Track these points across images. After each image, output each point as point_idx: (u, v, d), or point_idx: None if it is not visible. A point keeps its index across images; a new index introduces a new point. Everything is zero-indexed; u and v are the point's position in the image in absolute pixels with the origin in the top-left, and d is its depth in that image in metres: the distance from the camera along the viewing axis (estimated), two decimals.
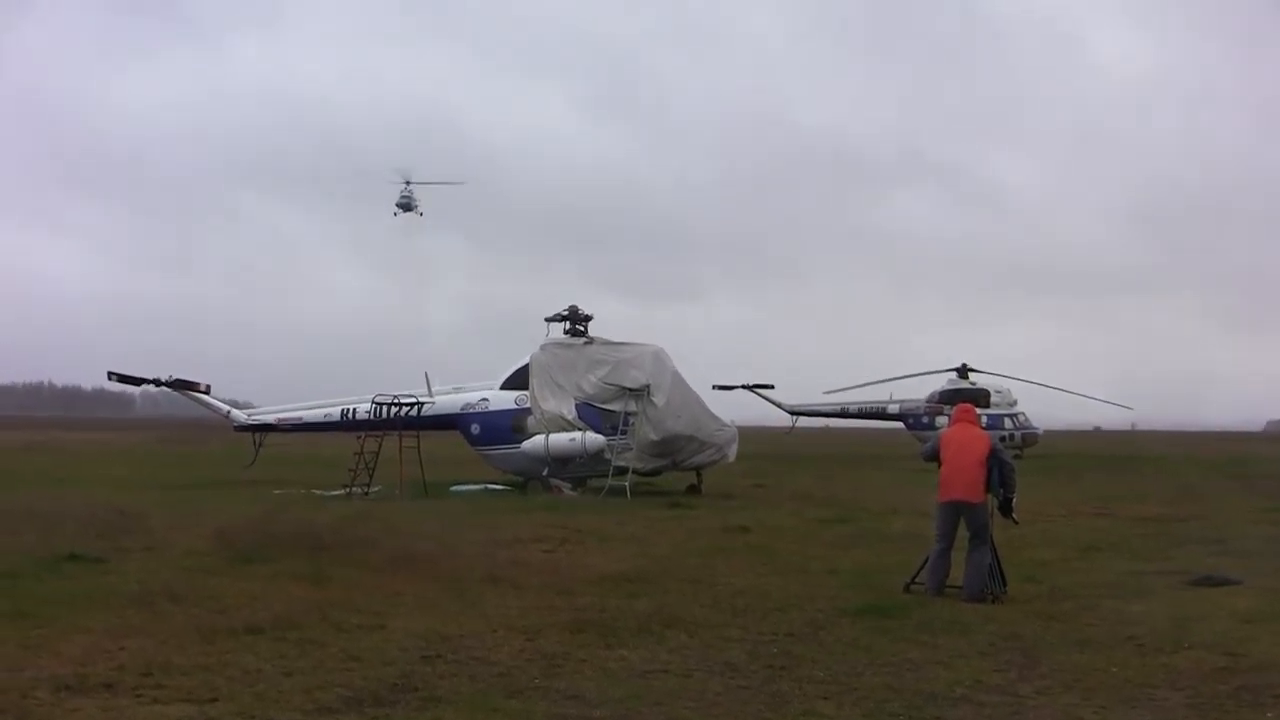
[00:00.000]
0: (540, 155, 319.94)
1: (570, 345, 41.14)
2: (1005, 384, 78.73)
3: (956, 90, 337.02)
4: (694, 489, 39.55)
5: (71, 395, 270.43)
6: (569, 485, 39.01)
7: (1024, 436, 75.34)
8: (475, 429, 41.97)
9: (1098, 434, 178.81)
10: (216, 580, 17.62)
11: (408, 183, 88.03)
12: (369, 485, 36.69)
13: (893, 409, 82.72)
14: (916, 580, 17.86)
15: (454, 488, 38.99)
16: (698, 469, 40.54)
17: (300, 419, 45.29)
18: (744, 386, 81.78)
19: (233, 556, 20.01)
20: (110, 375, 45.94)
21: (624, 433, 38.50)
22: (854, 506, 33.05)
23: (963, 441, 18.05)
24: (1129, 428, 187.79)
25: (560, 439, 39.07)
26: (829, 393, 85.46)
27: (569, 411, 39.60)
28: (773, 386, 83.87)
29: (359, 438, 38.51)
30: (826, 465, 63.17)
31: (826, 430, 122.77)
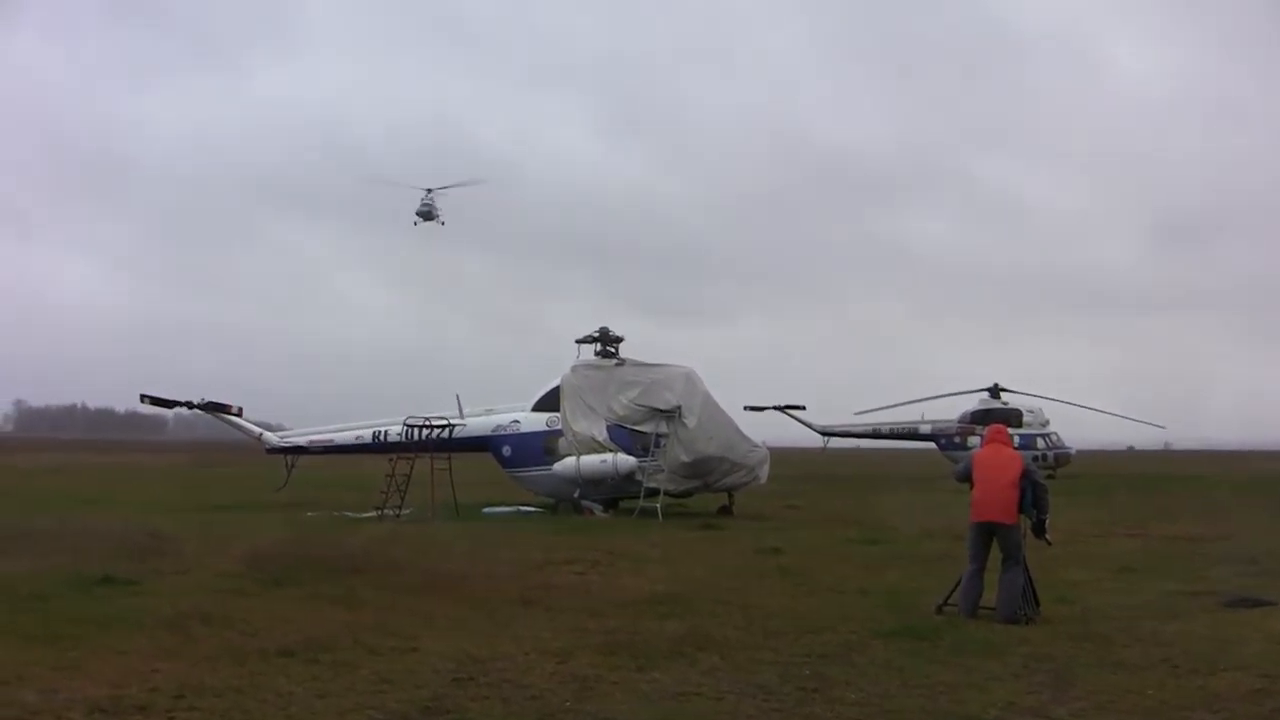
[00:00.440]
0: (560, 174, 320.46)
1: (601, 367, 41.17)
2: (1037, 404, 78.49)
3: (977, 107, 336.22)
4: (726, 510, 39.51)
5: (104, 418, 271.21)
6: (600, 507, 39.02)
7: (1057, 456, 75.08)
8: (507, 451, 41.99)
9: (1131, 453, 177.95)
10: (249, 602, 17.64)
11: (428, 190, 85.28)
12: (401, 507, 36.70)
13: (924, 429, 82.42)
14: (949, 602, 17.79)
15: (486, 509, 39.01)
16: (729, 490, 40.47)
17: (332, 441, 45.38)
18: (775, 408, 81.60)
19: (265, 579, 20.03)
20: (143, 398, 46.19)
21: (655, 454, 38.48)
22: (886, 528, 32.96)
23: (995, 462, 17.97)
24: (1163, 447, 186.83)
25: (592, 460, 39.08)
26: (860, 413, 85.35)
27: (600, 433, 39.60)
28: (804, 407, 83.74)
29: (390, 460, 38.53)
30: (858, 486, 63.04)
31: (858, 451, 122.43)
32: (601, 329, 42.14)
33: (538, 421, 41.62)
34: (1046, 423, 77.83)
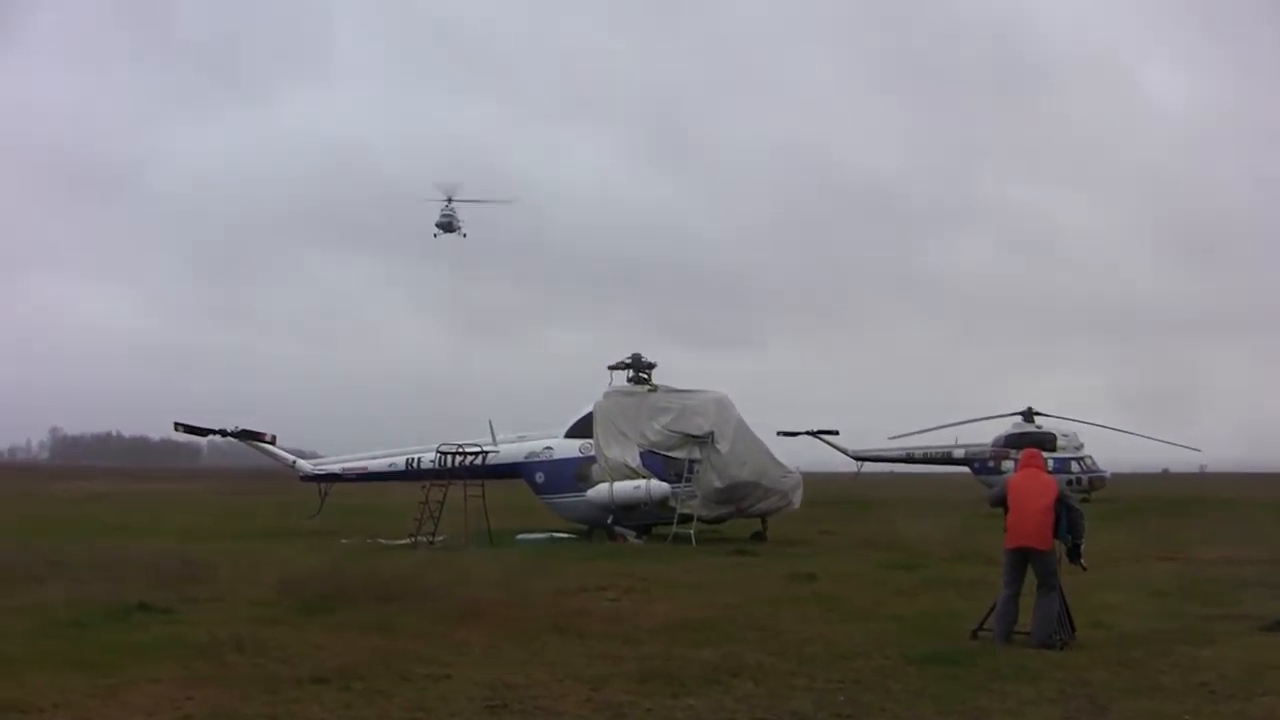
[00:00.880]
0: (590, 201, 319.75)
1: (634, 393, 41.18)
2: (1071, 427, 78.07)
3: (1009, 131, 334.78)
4: (759, 536, 39.38)
5: (139, 446, 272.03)
6: (634, 533, 38.99)
7: (1091, 480, 74.59)
8: (540, 477, 42.04)
9: (1166, 476, 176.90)
10: (282, 630, 17.69)
11: (449, 200, 79.64)
12: (434, 534, 36.72)
13: (958, 453, 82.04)
14: (984, 627, 17.73)
15: (519, 536, 38.99)
16: (763, 516, 40.34)
17: (365, 469, 45.42)
18: (809, 433, 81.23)
19: (299, 606, 20.08)
20: (177, 426, 46.31)
21: (688, 480, 38.47)
22: (920, 553, 32.84)
23: (1030, 487, 17.91)
24: (1198, 470, 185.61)
25: (625, 487, 39.06)
26: (894, 438, 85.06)
27: (633, 459, 39.59)
28: (837, 432, 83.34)
29: (424, 487, 38.57)
30: (892, 511, 62.82)
31: (892, 475, 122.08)
32: (634, 355, 42.14)
33: (571, 448, 41.65)
34: (1081, 446, 77.39)
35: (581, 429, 41.61)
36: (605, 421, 40.65)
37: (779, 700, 13.33)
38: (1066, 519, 17.58)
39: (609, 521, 39.42)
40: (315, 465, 47.20)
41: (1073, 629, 17.39)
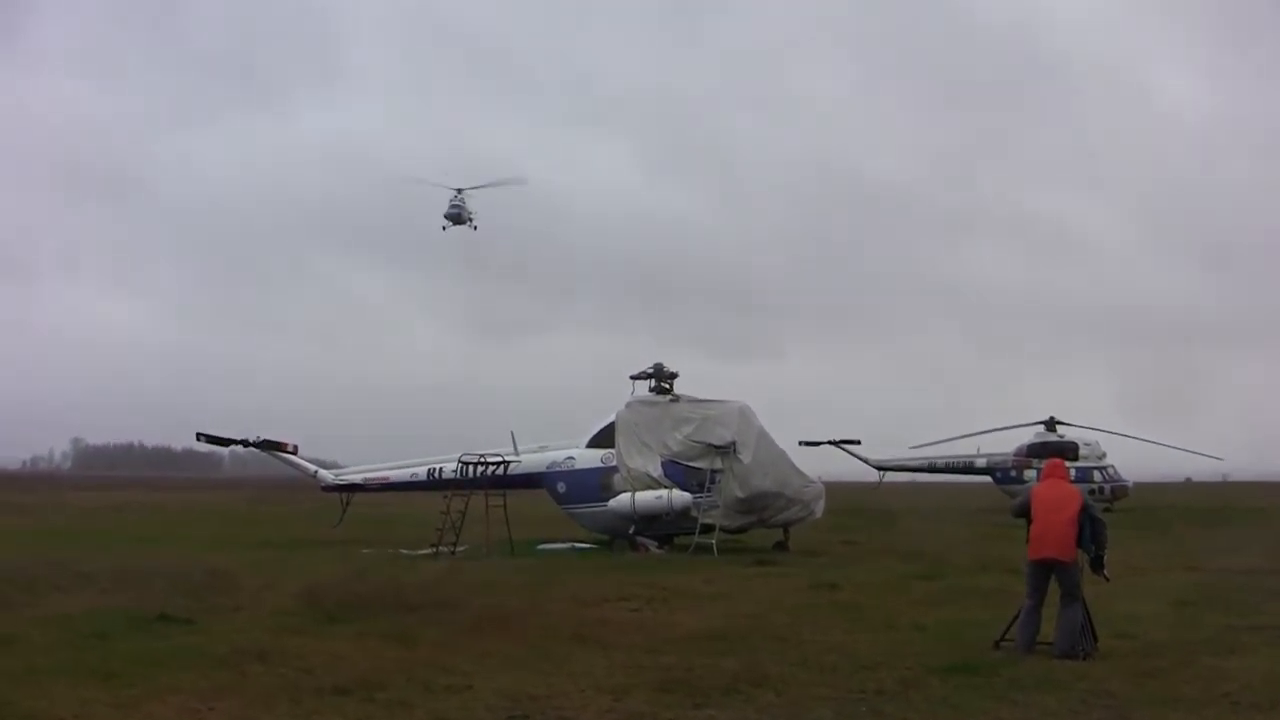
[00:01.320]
0: (609, 210, 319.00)
1: (656, 403, 41.18)
2: (1094, 436, 77.81)
3: (1026, 140, 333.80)
4: (781, 546, 39.37)
5: (161, 456, 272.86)
6: (655, 543, 38.95)
7: (1114, 489, 74.33)
8: (561, 487, 42.04)
9: (1189, 485, 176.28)
10: (304, 640, 17.71)
11: (458, 190, 75.06)
12: (456, 544, 36.75)
13: (980, 463, 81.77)
14: (1006, 637, 17.67)
15: (540, 546, 39.01)
16: (785, 526, 40.30)
17: (387, 479, 45.54)
18: (830, 442, 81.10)
19: (320, 616, 20.12)
20: (199, 436, 46.46)
21: (710, 490, 38.45)
22: (942, 562, 32.75)
23: (1053, 498, 17.83)
24: (1221, 479, 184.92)
25: (647, 497, 39.07)
26: (915, 447, 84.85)
27: (655, 469, 39.61)
28: (859, 442, 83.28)
29: (446, 497, 38.61)
30: (914, 520, 62.69)
31: (914, 485, 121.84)
32: (656, 365, 42.12)
33: (592, 458, 41.65)
34: (1103, 455, 77.09)
35: (603, 439, 41.61)
36: (627, 431, 40.66)
37: (801, 710, 13.31)
38: (1090, 530, 17.49)
39: (631, 531, 39.40)
40: (337, 475, 47.26)
41: (1095, 639, 17.32)
